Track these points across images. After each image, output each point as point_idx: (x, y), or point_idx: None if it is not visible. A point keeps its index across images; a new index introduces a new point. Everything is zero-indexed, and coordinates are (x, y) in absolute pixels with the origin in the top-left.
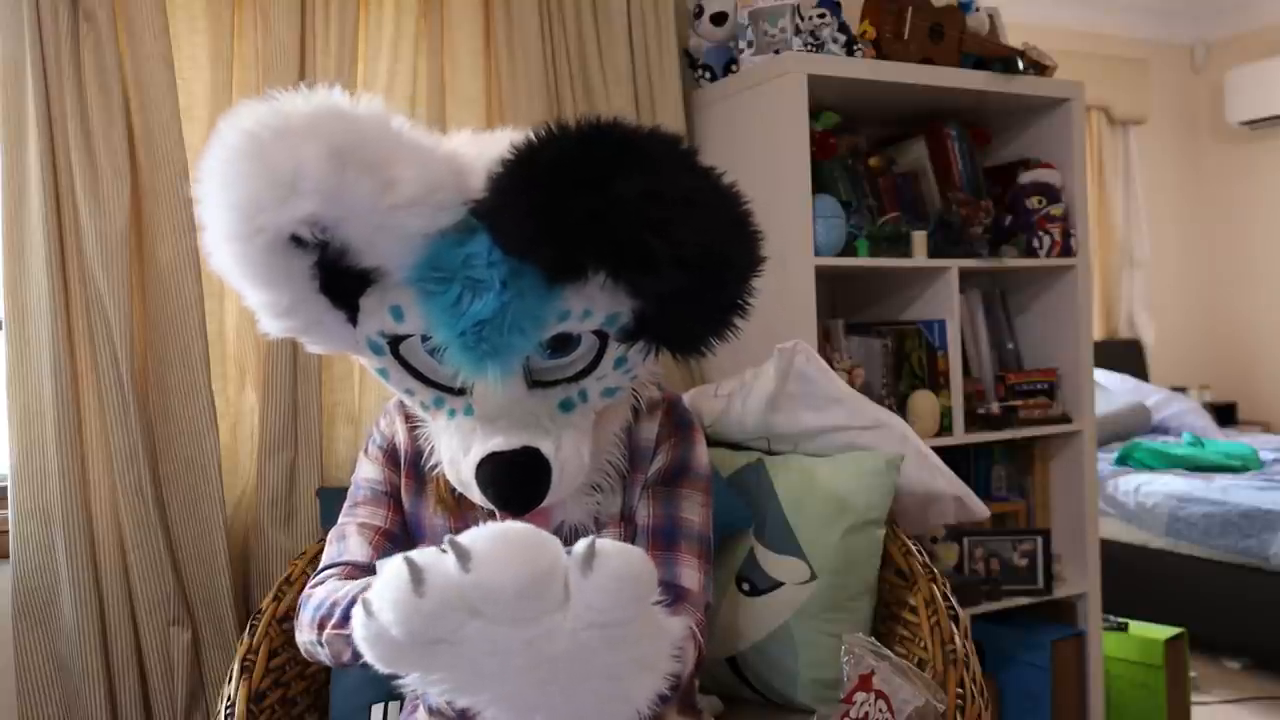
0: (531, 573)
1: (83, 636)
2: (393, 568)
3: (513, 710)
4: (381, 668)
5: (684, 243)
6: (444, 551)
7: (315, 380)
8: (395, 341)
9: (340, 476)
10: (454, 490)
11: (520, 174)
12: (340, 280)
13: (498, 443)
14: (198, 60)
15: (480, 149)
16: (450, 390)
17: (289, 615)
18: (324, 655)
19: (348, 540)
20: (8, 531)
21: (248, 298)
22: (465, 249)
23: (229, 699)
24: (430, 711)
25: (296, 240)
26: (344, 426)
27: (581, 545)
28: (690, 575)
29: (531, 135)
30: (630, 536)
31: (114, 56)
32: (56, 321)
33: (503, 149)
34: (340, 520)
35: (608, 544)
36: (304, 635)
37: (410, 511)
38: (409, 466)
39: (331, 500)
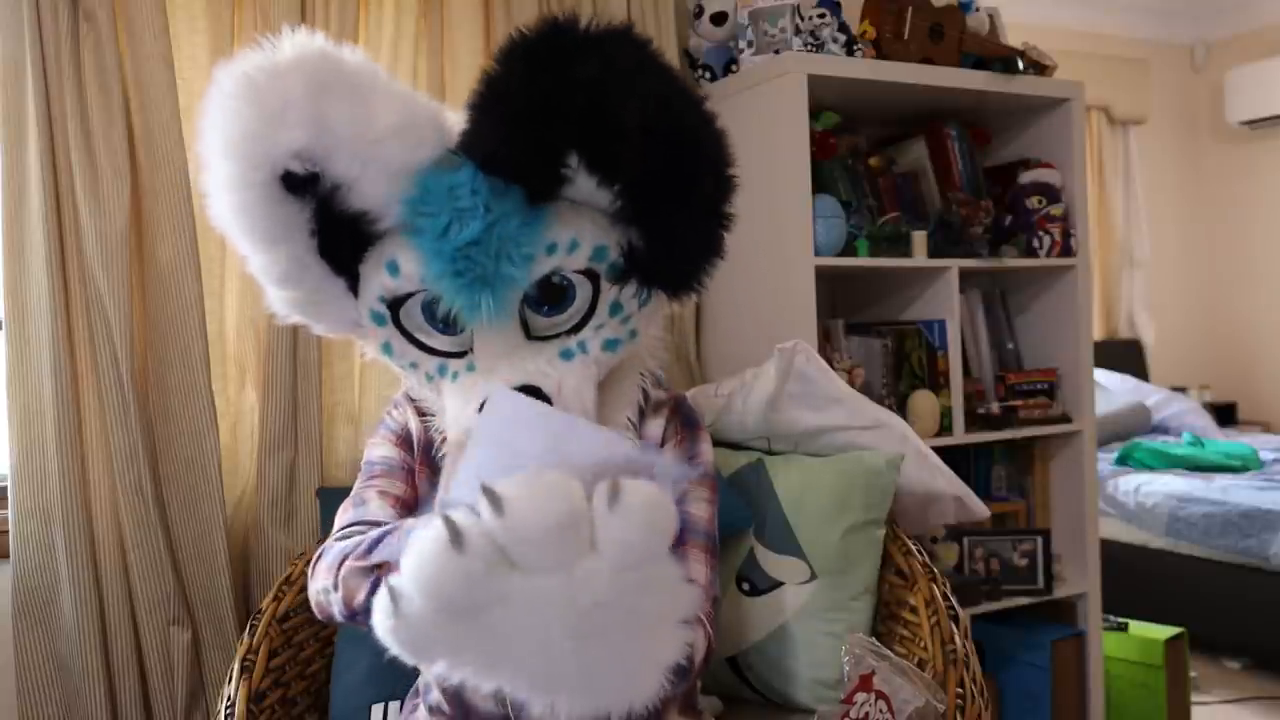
0: (567, 509)
1: (83, 636)
2: (426, 534)
3: (540, 685)
4: (408, 655)
5: (643, 106)
6: (474, 510)
7: (315, 380)
8: (395, 307)
9: (340, 476)
10: None
11: (485, 92)
12: (337, 235)
13: (498, 382)
14: (198, 60)
15: (460, 116)
16: (451, 355)
17: (289, 615)
18: (336, 601)
19: (368, 504)
20: (8, 531)
21: (250, 262)
22: (449, 180)
23: (229, 699)
24: (431, 710)
25: (290, 185)
26: (344, 426)
27: (604, 483)
28: (698, 570)
29: (493, 52)
30: None
31: (114, 56)
32: (56, 321)
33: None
34: (356, 490)
35: (628, 480)
36: (318, 583)
37: (423, 495)
38: (422, 454)
39: (332, 500)
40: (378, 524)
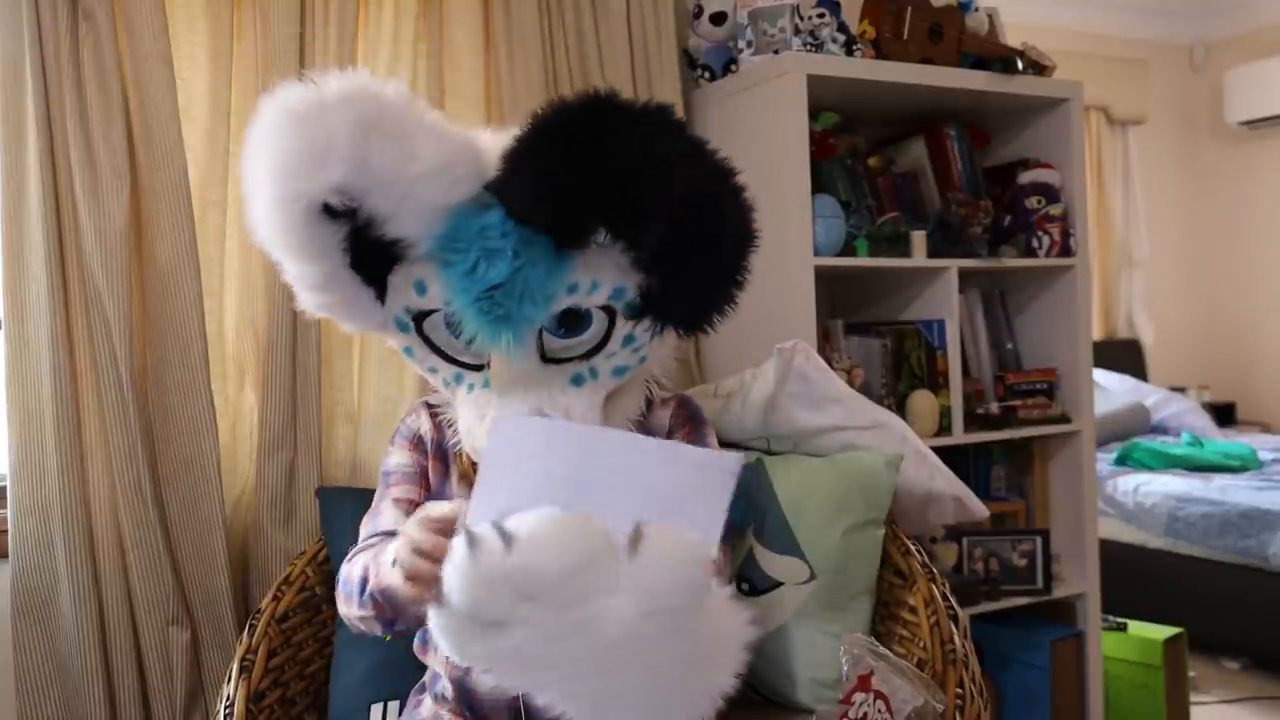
0: (576, 555)
1: (82, 636)
2: (456, 542)
3: (585, 703)
4: (455, 656)
5: (673, 196)
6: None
7: (315, 380)
8: (419, 319)
9: (340, 476)
10: (475, 466)
11: (525, 145)
12: (369, 254)
13: (512, 408)
14: (197, 60)
15: (496, 139)
16: (469, 366)
17: (288, 615)
18: (375, 625)
19: (381, 515)
20: (7, 530)
21: (287, 270)
22: (481, 221)
23: (228, 699)
24: (436, 699)
25: (330, 211)
26: (343, 426)
27: (626, 530)
28: None
29: (536, 111)
30: None
31: (113, 56)
32: (56, 320)
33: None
34: (374, 502)
35: (654, 528)
36: (352, 611)
37: (436, 494)
38: (435, 450)
39: (331, 500)
40: (391, 533)
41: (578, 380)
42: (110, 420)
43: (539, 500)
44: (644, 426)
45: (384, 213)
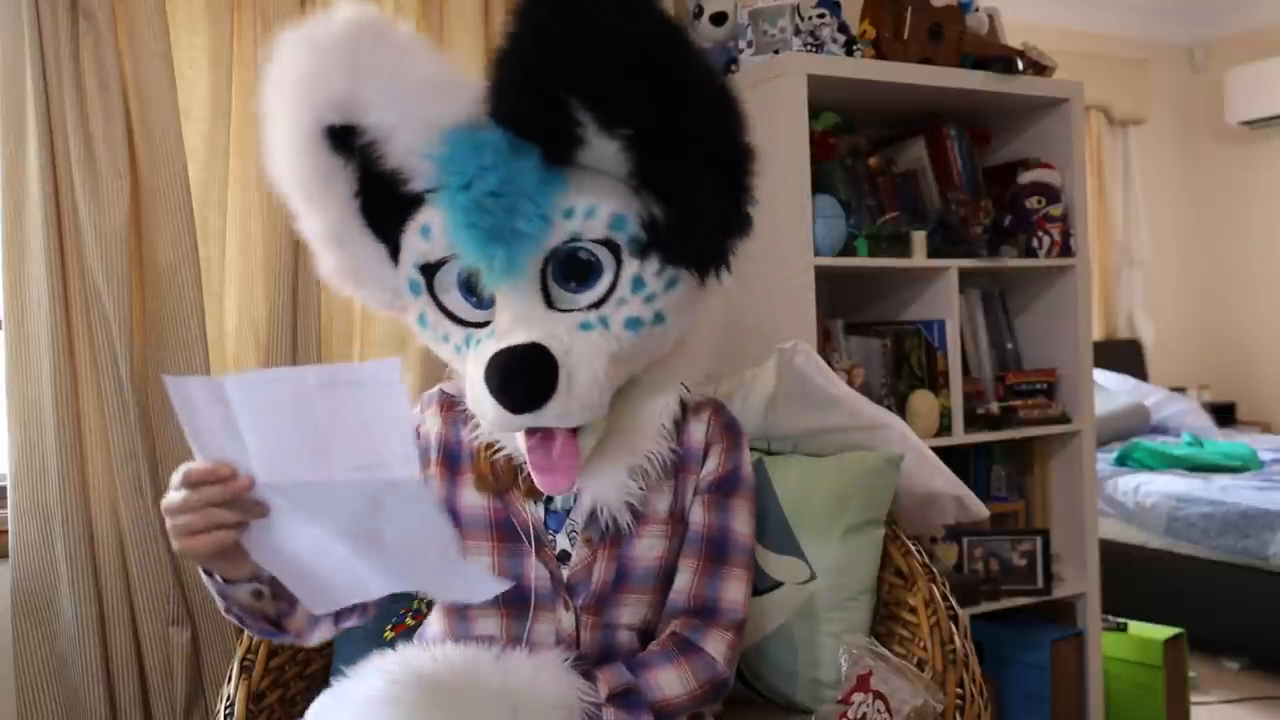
0: None
1: (82, 636)
2: None
3: None
4: None
5: (635, 49)
6: None
7: None
8: (430, 275)
9: None
10: (494, 466)
11: (498, 47)
12: (378, 195)
13: (508, 341)
14: (197, 60)
15: None
16: (479, 326)
17: None
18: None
19: None
20: (7, 531)
21: (302, 225)
22: (478, 138)
23: (228, 699)
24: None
25: (335, 138)
26: None
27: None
28: (736, 589)
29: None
30: (681, 537)
31: (114, 56)
32: (56, 320)
33: None
34: None
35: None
36: None
37: (443, 499)
38: (441, 455)
39: None
40: None
41: (585, 325)
42: (110, 420)
43: (294, 458)
44: (680, 440)
45: (383, 129)
